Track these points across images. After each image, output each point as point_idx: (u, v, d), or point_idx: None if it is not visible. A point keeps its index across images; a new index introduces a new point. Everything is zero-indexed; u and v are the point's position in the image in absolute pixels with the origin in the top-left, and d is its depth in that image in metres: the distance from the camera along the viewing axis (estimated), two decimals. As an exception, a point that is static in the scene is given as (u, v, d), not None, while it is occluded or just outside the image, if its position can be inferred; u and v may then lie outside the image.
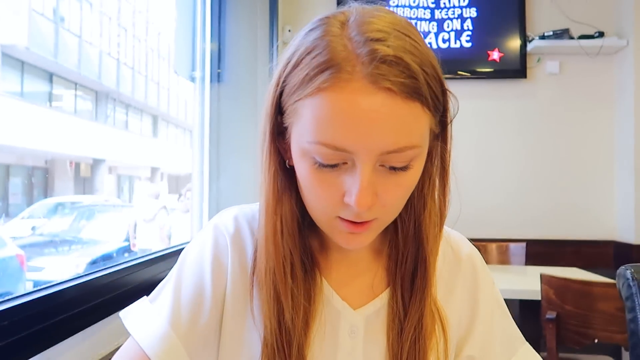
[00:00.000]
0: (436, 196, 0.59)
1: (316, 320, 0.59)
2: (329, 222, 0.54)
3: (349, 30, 0.49)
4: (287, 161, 0.56)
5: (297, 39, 0.53)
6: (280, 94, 0.52)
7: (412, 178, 0.52)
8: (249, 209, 0.66)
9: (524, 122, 2.89)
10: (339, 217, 0.52)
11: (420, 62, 0.48)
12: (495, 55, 2.86)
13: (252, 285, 0.61)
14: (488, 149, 2.90)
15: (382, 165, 0.50)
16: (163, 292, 0.63)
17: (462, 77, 2.89)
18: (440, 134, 0.55)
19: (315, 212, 0.55)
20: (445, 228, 0.66)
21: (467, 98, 2.93)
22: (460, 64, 2.88)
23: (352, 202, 0.49)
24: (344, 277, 0.62)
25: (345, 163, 0.49)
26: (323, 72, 0.47)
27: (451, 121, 0.55)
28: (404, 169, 0.50)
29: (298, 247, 0.58)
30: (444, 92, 0.52)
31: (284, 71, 0.52)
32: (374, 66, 0.46)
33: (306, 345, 0.58)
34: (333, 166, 0.50)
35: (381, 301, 0.61)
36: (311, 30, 0.51)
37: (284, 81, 0.52)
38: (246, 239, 0.63)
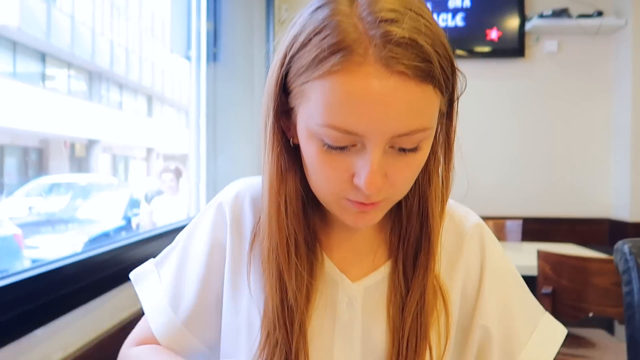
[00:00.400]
0: (440, 172, 0.59)
1: (316, 296, 0.60)
2: (337, 202, 0.54)
3: (359, 8, 0.47)
4: (290, 139, 0.56)
5: (302, 16, 0.51)
6: (286, 74, 0.51)
7: (421, 158, 0.52)
8: (255, 184, 0.66)
9: (521, 102, 2.90)
10: (347, 198, 0.52)
11: (432, 43, 0.47)
12: (493, 34, 2.85)
13: (250, 262, 0.61)
14: (485, 128, 2.90)
15: (392, 147, 0.49)
16: (167, 266, 0.68)
17: (460, 57, 2.88)
18: (447, 111, 0.55)
19: (322, 192, 0.54)
20: (451, 203, 0.66)
21: (465, 77, 2.92)
22: (457, 43, 2.87)
23: (362, 185, 0.49)
24: (345, 253, 0.63)
25: (354, 145, 0.49)
26: (334, 54, 0.46)
27: (458, 98, 0.55)
28: (414, 150, 0.50)
29: (302, 226, 0.58)
30: (453, 71, 0.51)
31: (289, 50, 0.50)
32: (388, 49, 0.45)
33: (307, 320, 0.59)
34: (342, 148, 0.49)
35: (381, 274, 0.61)
36: (318, 8, 0.50)
37: (289, 61, 0.50)
38: (246, 216, 0.64)
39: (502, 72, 2.91)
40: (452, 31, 2.85)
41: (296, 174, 0.57)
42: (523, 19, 2.82)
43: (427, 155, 0.53)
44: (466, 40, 2.88)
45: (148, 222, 3.46)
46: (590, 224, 2.84)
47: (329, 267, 0.61)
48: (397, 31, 0.45)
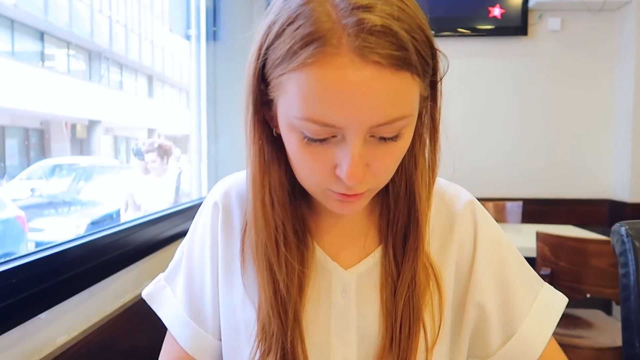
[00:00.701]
0: (426, 154, 0.58)
1: (310, 285, 0.60)
2: (321, 192, 0.54)
3: None
4: (274, 130, 0.55)
5: (276, 3, 0.50)
6: (263, 65, 0.51)
7: (402, 146, 0.51)
8: (241, 179, 0.67)
9: (523, 80, 2.87)
10: (331, 189, 0.52)
11: (409, 28, 0.45)
12: (496, 11, 2.80)
13: (243, 258, 0.62)
14: (487, 108, 2.89)
15: (372, 136, 0.49)
16: (178, 279, 0.69)
17: (462, 35, 2.84)
18: (430, 93, 0.54)
19: (307, 183, 0.55)
20: (442, 182, 0.66)
21: (467, 56, 2.89)
22: (460, 20, 2.83)
23: (344, 176, 0.49)
24: (335, 240, 0.63)
25: (334, 136, 0.48)
26: (307, 45, 0.45)
27: (441, 79, 0.54)
28: (395, 138, 0.49)
29: (290, 216, 0.58)
30: (433, 54, 0.50)
31: (264, 41, 0.50)
32: (361, 39, 0.44)
33: (302, 309, 0.59)
34: (322, 140, 0.49)
35: (373, 260, 0.62)
36: None
37: (265, 52, 0.49)
38: (234, 213, 0.65)
39: (504, 50, 2.88)
40: (453, 7, 2.81)
41: (280, 164, 0.57)
42: (526, -4, 2.78)
43: (409, 141, 0.53)
44: (468, 18, 2.84)
45: (130, 205, 3.05)
46: (590, 205, 2.84)
47: (320, 254, 0.62)
48: (370, 18, 0.44)
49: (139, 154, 3.21)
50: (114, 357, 1.09)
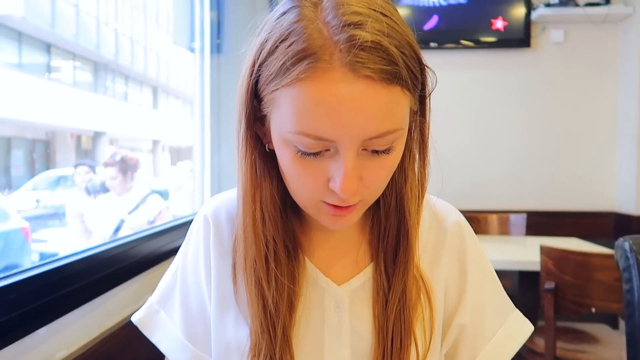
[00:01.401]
0: (416, 169, 0.59)
1: (301, 301, 0.60)
2: (314, 206, 0.54)
3: (324, 13, 0.48)
4: (266, 145, 0.56)
5: (268, 22, 0.51)
6: (256, 81, 0.51)
7: (394, 158, 0.52)
8: (231, 197, 0.66)
9: (526, 92, 2.87)
10: (324, 202, 0.53)
11: (398, 43, 0.47)
12: (499, 24, 2.81)
13: (235, 275, 0.61)
14: (490, 120, 2.88)
15: (365, 150, 0.49)
16: (172, 301, 0.67)
17: (466, 47, 2.85)
18: (419, 108, 0.55)
19: (300, 197, 0.55)
20: (432, 198, 0.67)
21: (470, 68, 2.90)
22: (463, 33, 2.83)
23: (337, 189, 0.49)
24: (327, 255, 0.63)
25: (328, 150, 0.49)
26: (300, 61, 0.46)
27: (429, 95, 0.55)
28: (387, 151, 0.50)
29: (280, 232, 0.58)
30: (422, 69, 0.51)
31: (257, 58, 0.51)
32: (353, 54, 0.45)
33: (291, 325, 0.58)
34: (316, 154, 0.49)
35: (365, 275, 0.62)
36: (284, 13, 0.50)
37: (258, 69, 0.50)
38: (224, 228, 0.64)
39: (507, 62, 2.88)
40: (456, 20, 2.82)
41: (272, 179, 0.57)
42: (529, 8, 2.78)
43: (401, 154, 0.53)
44: (472, 30, 2.85)
45: (77, 227, 2.59)
46: (595, 218, 2.82)
47: (312, 270, 0.62)
48: (362, 35, 0.45)
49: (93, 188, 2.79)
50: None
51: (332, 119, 0.46)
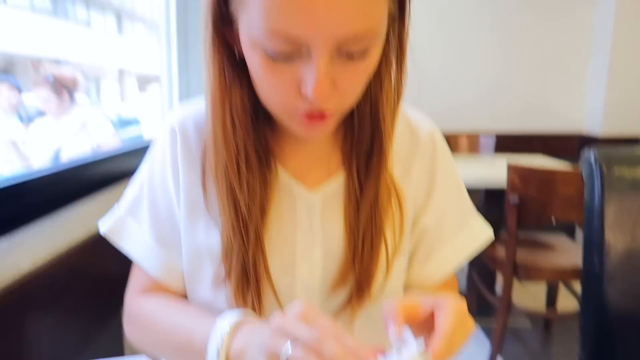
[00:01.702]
0: (392, 76, 0.57)
1: (273, 205, 0.60)
2: (286, 114, 0.52)
3: None
4: (237, 53, 0.53)
5: None
6: None
7: (370, 64, 0.50)
8: (198, 107, 0.64)
9: (501, 15, 2.82)
10: (296, 110, 0.51)
11: None
12: (477, -60, 2.70)
13: (204, 183, 0.61)
14: (463, 42, 2.84)
15: (339, 53, 0.47)
16: (141, 210, 0.66)
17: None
18: (399, 12, 0.52)
19: (271, 105, 0.53)
20: (407, 108, 0.66)
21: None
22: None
23: (309, 93, 0.47)
24: (300, 162, 0.62)
25: (299, 53, 0.46)
26: None
27: None
28: (362, 56, 0.48)
29: (252, 139, 0.56)
30: None
31: None
32: None
33: (264, 228, 0.59)
34: (287, 57, 0.46)
35: (337, 180, 0.62)
36: None
37: None
38: (192, 138, 0.63)
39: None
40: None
41: (242, 86, 0.55)
42: None
43: (377, 61, 0.51)
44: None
45: (11, 155, 2.31)
46: (562, 140, 2.88)
47: (284, 176, 0.61)
48: None
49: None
50: (83, 283, 1.09)
51: (305, 15, 0.43)
